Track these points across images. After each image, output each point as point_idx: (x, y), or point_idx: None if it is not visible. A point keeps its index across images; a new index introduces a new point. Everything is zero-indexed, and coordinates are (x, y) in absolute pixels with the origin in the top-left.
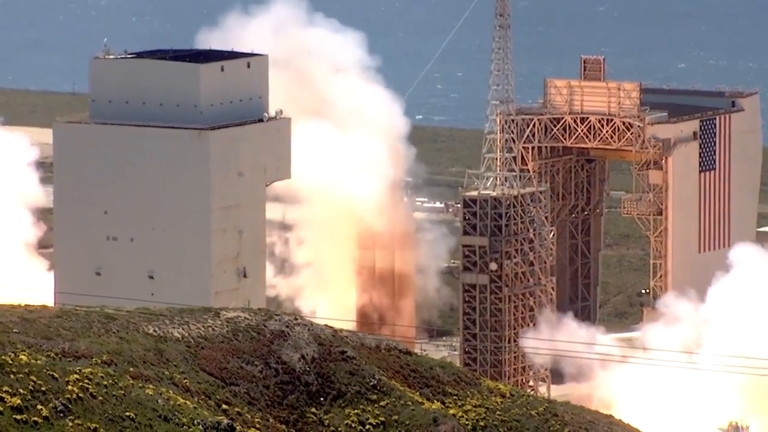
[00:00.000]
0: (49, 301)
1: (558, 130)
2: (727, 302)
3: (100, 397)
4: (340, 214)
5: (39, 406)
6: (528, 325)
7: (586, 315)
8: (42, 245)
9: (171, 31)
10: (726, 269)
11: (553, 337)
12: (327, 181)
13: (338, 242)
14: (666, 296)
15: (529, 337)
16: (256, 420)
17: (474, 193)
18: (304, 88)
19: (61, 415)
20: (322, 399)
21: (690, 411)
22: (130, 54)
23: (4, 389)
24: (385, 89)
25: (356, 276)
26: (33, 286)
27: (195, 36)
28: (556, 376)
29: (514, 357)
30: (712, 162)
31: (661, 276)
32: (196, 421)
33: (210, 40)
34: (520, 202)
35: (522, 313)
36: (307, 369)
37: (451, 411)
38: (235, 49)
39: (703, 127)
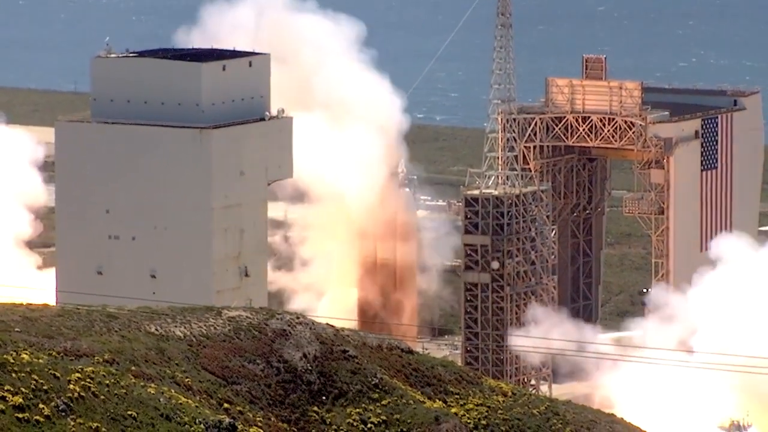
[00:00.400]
0: (36, 298)
1: (560, 129)
2: (713, 298)
3: (102, 396)
4: (338, 210)
5: (41, 405)
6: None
7: (587, 314)
8: (38, 244)
9: (170, 29)
10: (711, 264)
11: (544, 335)
12: (323, 176)
13: (339, 240)
14: (654, 290)
15: (516, 335)
16: (258, 419)
17: (476, 192)
18: (292, 77)
19: (63, 414)
20: (323, 398)
21: (690, 409)
22: (131, 53)
23: (5, 388)
24: (379, 75)
25: (357, 266)
26: (21, 283)
27: (177, 29)
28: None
29: (516, 356)
30: (714, 161)
31: (662, 275)
32: (198, 420)
33: (192, 34)
34: (522, 201)
35: (524, 312)
36: (309, 368)
37: (453, 410)
38: (218, 42)
39: (704, 126)
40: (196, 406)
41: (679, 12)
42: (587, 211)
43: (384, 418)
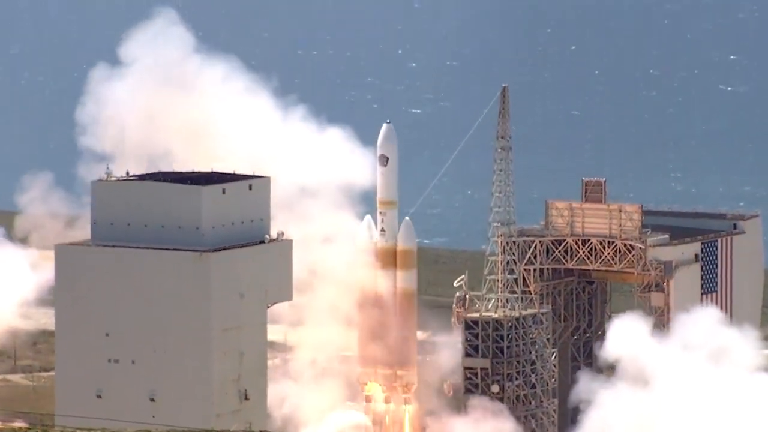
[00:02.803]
0: None
1: (559, 251)
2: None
3: None
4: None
5: None
6: None
7: None
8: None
9: None
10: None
11: None
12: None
13: (337, 353)
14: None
15: None
16: None
17: (475, 315)
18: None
19: None
20: None
21: None
22: (131, 176)
23: None
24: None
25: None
26: None
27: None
28: None
29: None
30: (714, 284)
31: None
32: None
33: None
34: (522, 323)
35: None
36: None
37: None
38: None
39: (704, 250)
40: None
41: (673, 136)
42: (587, 334)
43: None
